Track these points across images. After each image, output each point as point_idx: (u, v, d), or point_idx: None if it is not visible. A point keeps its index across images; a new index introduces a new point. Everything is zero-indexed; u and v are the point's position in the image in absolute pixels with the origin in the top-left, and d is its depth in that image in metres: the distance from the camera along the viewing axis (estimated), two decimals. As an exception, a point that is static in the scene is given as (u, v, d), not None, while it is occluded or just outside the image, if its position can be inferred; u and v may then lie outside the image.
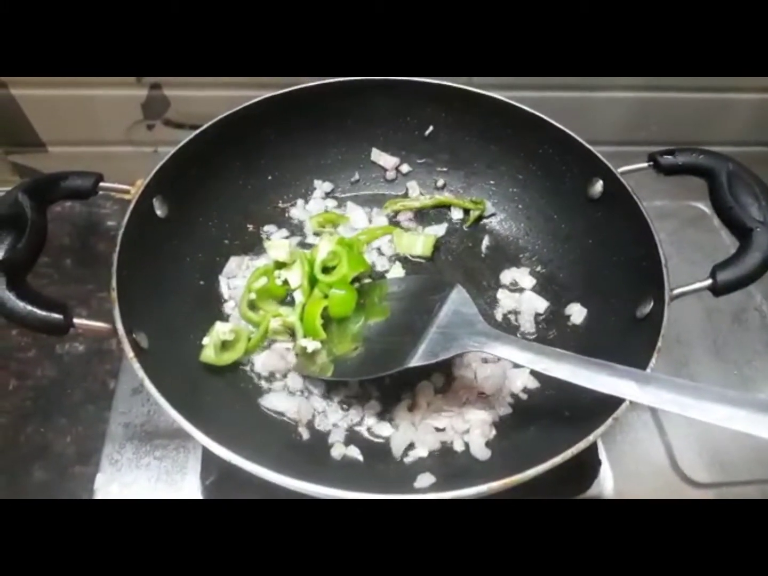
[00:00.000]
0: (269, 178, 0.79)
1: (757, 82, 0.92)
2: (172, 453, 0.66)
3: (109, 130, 0.94)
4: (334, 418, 0.65)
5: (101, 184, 0.63)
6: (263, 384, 0.67)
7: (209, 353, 0.64)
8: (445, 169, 0.83)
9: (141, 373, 0.51)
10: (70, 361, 0.76)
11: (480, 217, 0.82)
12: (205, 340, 0.64)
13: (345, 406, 0.66)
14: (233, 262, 0.75)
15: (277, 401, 0.65)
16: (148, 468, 0.65)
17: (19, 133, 0.93)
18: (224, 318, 0.71)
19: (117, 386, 0.71)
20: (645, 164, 0.69)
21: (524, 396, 0.67)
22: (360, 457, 0.62)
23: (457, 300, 0.61)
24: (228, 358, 0.65)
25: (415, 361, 0.57)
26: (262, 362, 0.68)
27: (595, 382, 0.51)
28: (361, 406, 0.66)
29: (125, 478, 0.64)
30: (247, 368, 0.68)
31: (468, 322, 0.59)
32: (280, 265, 0.73)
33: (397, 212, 0.83)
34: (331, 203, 0.83)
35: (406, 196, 0.84)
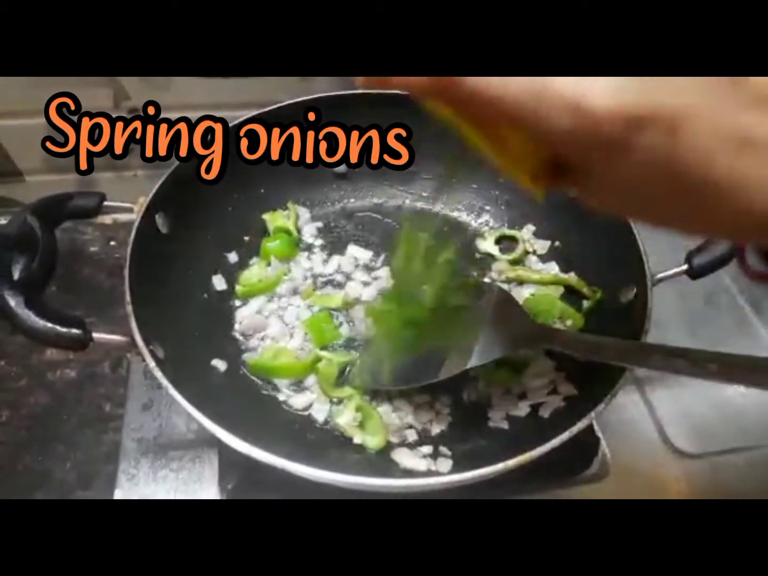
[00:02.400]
0: (261, 191, 0.81)
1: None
2: (188, 464, 0.67)
3: (88, 156, 0.95)
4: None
5: (105, 203, 0.64)
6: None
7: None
8: (429, 176, 0.86)
9: (164, 381, 0.52)
10: (62, 388, 0.75)
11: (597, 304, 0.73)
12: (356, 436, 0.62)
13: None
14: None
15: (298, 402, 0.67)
16: (166, 480, 0.66)
17: (-5, 163, 0.92)
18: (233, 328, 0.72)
19: (126, 403, 0.72)
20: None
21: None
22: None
23: (502, 300, 0.62)
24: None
25: (473, 362, 0.57)
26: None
27: (649, 363, 0.53)
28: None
29: (144, 491, 0.65)
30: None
31: (516, 320, 0.60)
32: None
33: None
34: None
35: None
